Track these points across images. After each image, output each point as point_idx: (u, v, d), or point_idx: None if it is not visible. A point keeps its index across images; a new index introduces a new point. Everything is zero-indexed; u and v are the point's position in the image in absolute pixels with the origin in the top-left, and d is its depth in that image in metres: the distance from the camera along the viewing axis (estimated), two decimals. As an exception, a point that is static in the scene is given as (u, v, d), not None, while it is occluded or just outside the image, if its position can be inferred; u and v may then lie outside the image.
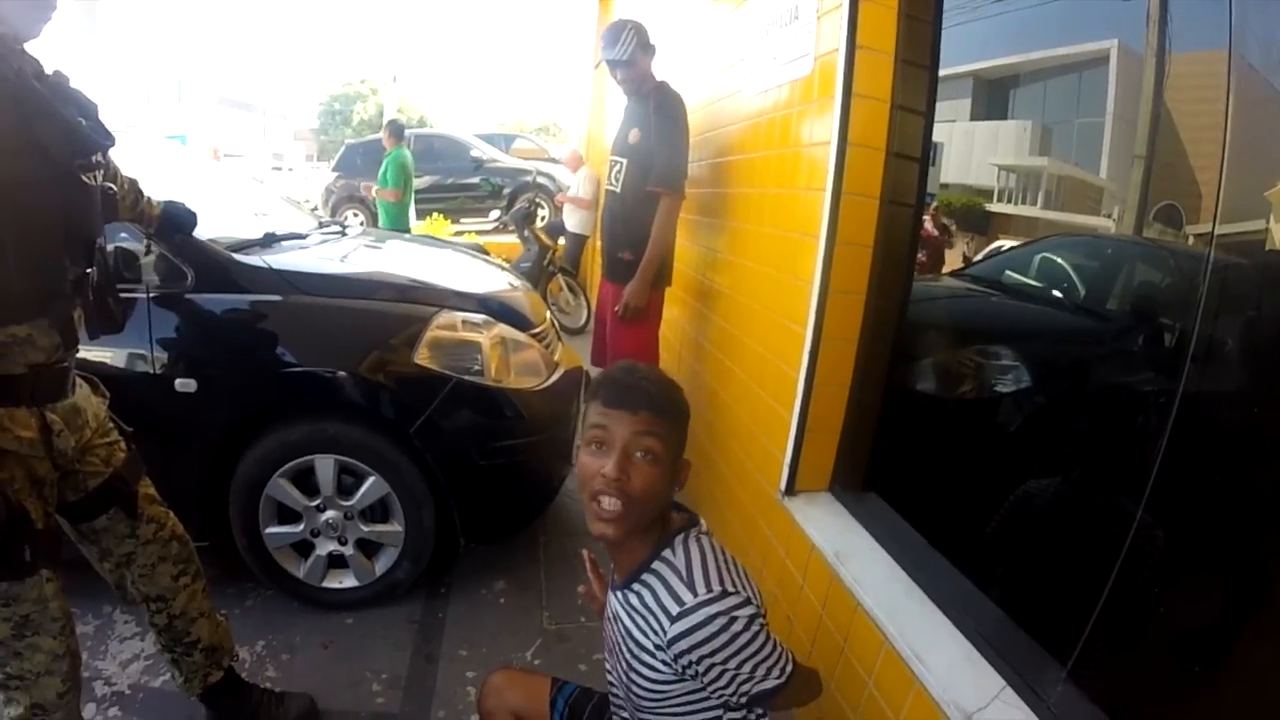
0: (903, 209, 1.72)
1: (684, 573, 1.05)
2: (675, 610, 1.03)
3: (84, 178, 1.35)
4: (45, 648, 1.39)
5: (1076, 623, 1.11)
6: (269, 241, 2.42)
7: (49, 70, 1.33)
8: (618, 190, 2.77)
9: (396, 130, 7.14)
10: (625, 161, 2.72)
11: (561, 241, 6.63)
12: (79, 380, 1.49)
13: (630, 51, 2.57)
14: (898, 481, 1.90)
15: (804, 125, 1.95)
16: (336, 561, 2.29)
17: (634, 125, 2.69)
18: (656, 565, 1.09)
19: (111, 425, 1.56)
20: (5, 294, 1.24)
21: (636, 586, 1.10)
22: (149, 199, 1.79)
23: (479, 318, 2.36)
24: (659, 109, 2.60)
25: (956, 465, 2.05)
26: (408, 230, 6.77)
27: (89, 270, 1.40)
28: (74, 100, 1.34)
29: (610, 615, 1.21)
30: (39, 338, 1.31)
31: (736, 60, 2.61)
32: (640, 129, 2.65)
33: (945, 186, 3.53)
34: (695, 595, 1.02)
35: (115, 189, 1.55)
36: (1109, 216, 2.19)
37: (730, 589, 1.03)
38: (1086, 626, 1.07)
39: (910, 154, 1.68)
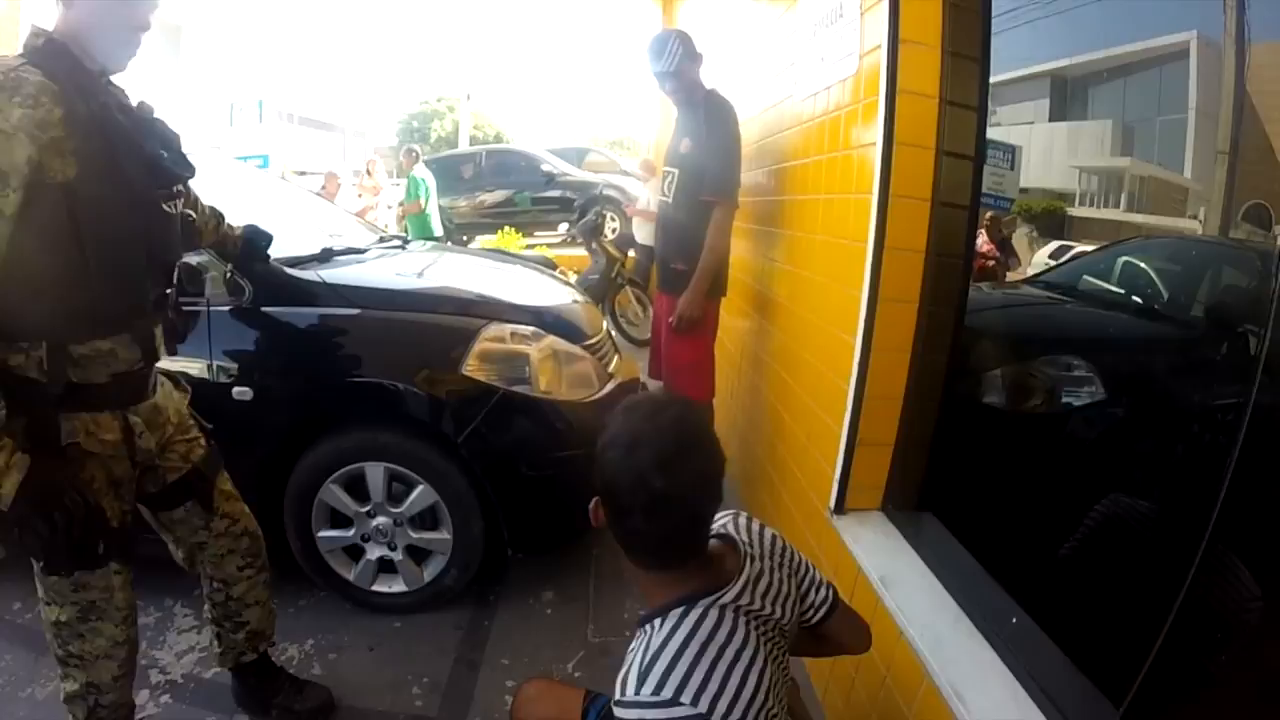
0: (956, 211, 1.62)
1: (646, 658, 0.96)
2: (619, 695, 0.97)
3: (165, 206, 1.45)
4: (106, 634, 1.49)
5: (1134, 662, 1.00)
6: (326, 257, 2.49)
7: (134, 101, 1.43)
8: (670, 200, 2.75)
9: (410, 154, 8.22)
10: (677, 172, 2.69)
11: (632, 254, 6.65)
12: (161, 379, 1.59)
13: (676, 62, 2.54)
14: (957, 502, 1.78)
15: (851, 126, 1.88)
16: (387, 566, 2.33)
17: (685, 135, 2.66)
18: (647, 627, 1.02)
19: (192, 422, 1.66)
20: (91, 312, 1.34)
21: (639, 632, 1.05)
22: (229, 225, 1.90)
23: (528, 329, 2.36)
24: (709, 117, 2.56)
25: (1021, 485, 1.92)
26: (435, 238, 7.52)
27: (169, 290, 1.52)
28: (156, 133, 1.44)
29: None
30: (121, 351, 1.41)
31: (787, 64, 2.55)
32: (691, 138, 2.62)
33: (1025, 191, 3.37)
34: (639, 692, 0.95)
35: (195, 216, 1.66)
36: (1194, 217, 2.03)
37: (683, 699, 0.93)
38: (1144, 667, 0.96)
39: (963, 152, 1.58)
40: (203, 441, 1.66)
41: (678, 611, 0.99)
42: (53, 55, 1.27)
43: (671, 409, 0.99)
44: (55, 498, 1.29)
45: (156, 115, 1.48)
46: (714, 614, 0.99)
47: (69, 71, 1.27)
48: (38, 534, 1.30)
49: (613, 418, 1.00)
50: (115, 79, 1.41)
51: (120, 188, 1.32)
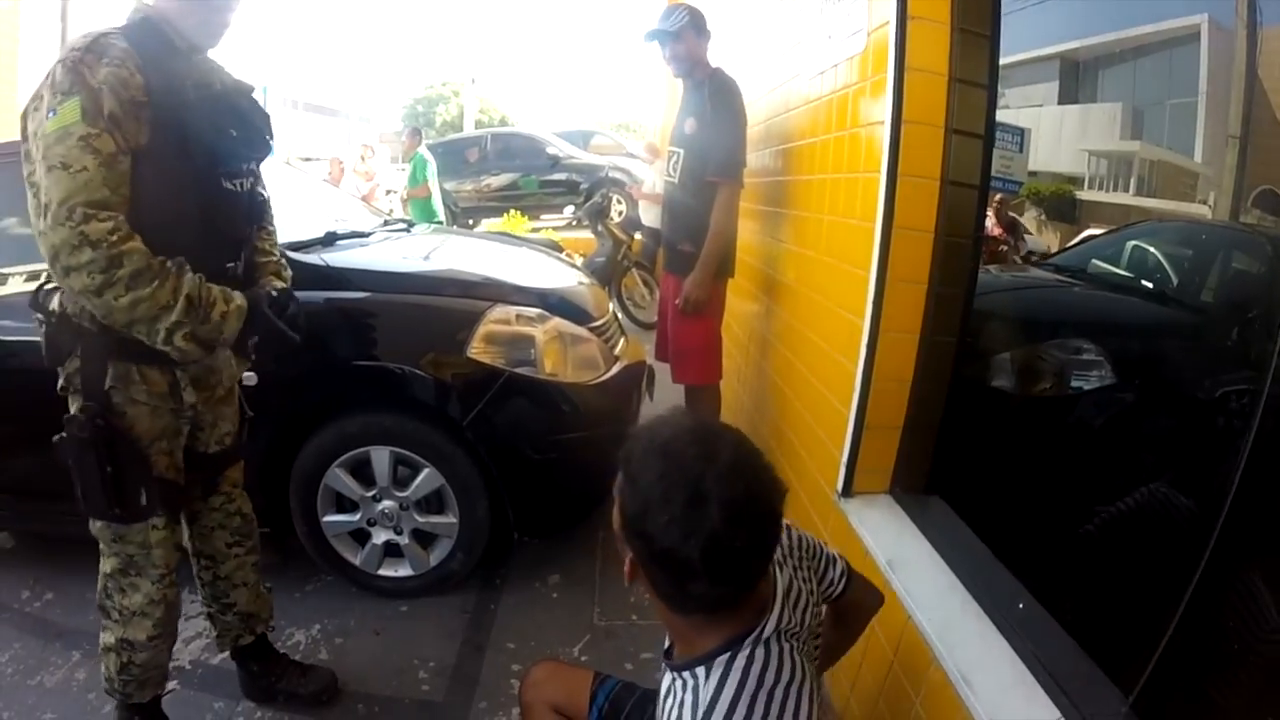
0: (966, 190, 1.59)
1: (699, 716, 0.88)
2: None
3: (229, 183, 1.48)
4: (143, 590, 1.53)
5: (1145, 648, 0.99)
6: (330, 240, 2.47)
7: (231, 78, 1.50)
8: (676, 181, 2.72)
9: (415, 134, 7.87)
10: (682, 152, 2.67)
11: (638, 236, 6.61)
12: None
13: (680, 25, 2.51)
14: (965, 485, 1.77)
15: (860, 104, 1.85)
16: (392, 550, 2.33)
17: (690, 115, 2.63)
18: (687, 676, 0.92)
19: (237, 404, 1.72)
20: None
21: (674, 676, 0.95)
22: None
23: (534, 312, 2.35)
24: (713, 96, 2.53)
25: (1029, 469, 1.90)
26: (438, 222, 7.34)
27: (230, 264, 1.54)
28: (232, 111, 1.46)
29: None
30: None
31: (795, 43, 2.51)
32: (696, 118, 2.59)
33: (1034, 174, 3.33)
34: None
35: (265, 194, 1.65)
36: (1204, 202, 2.01)
37: None
38: (1155, 653, 0.95)
39: (972, 130, 1.54)
40: (237, 427, 1.72)
41: (724, 659, 0.90)
42: (144, 29, 1.35)
43: (724, 439, 0.85)
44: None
45: (245, 93, 1.53)
46: (760, 653, 0.90)
47: (156, 46, 1.34)
48: (78, 473, 1.39)
49: (645, 460, 0.84)
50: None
51: (184, 162, 1.36)
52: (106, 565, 1.53)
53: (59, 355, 1.42)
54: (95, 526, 1.49)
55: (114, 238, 1.25)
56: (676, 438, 0.85)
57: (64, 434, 1.39)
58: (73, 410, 1.41)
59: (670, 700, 0.93)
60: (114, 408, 1.41)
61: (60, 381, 1.44)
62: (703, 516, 0.78)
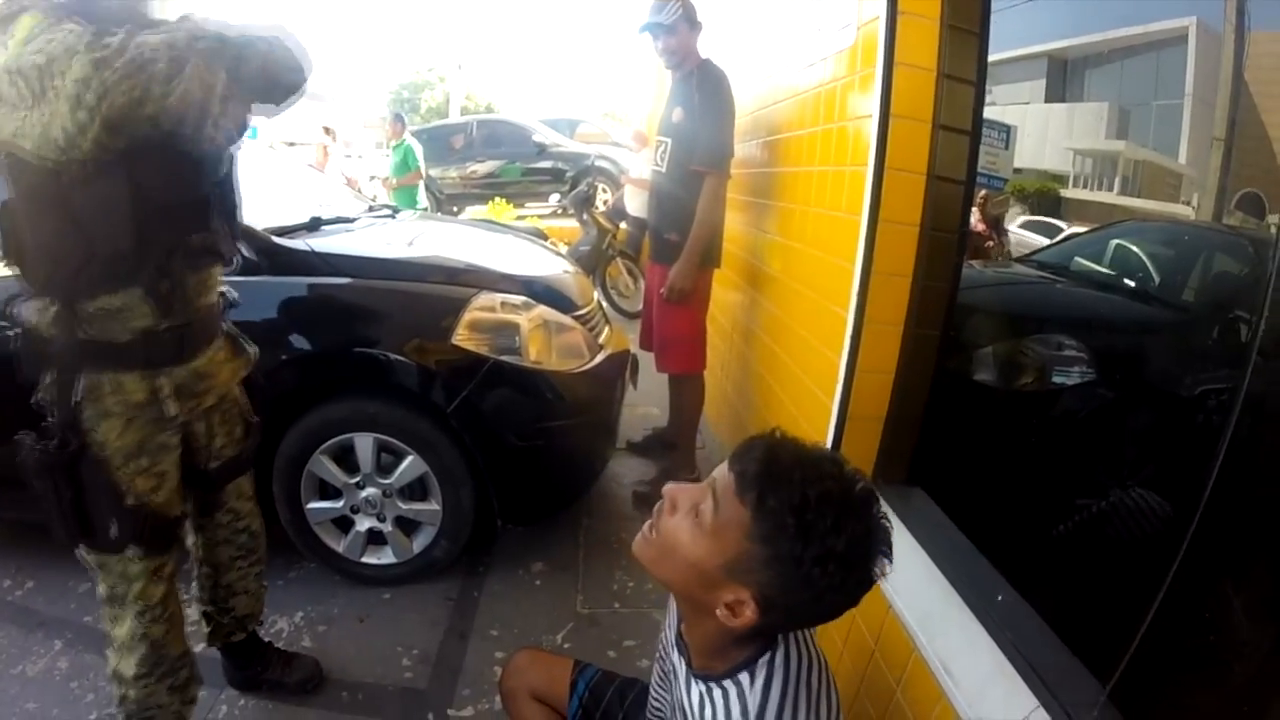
0: (952, 185, 1.60)
1: (754, 712, 0.89)
2: None
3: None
4: (127, 624, 1.41)
5: (1122, 640, 1.01)
6: (315, 225, 2.45)
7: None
8: (663, 170, 2.72)
9: (399, 120, 7.70)
10: (670, 141, 2.66)
11: (624, 225, 6.59)
12: (223, 342, 1.52)
13: (675, 18, 2.50)
14: (946, 477, 1.79)
15: (848, 98, 1.85)
16: (376, 538, 2.33)
17: (677, 104, 2.63)
18: (729, 684, 0.92)
19: (238, 411, 1.63)
20: (85, 265, 1.22)
21: (711, 686, 0.94)
22: None
23: (518, 299, 2.35)
24: (701, 87, 2.53)
25: (1010, 462, 1.93)
26: (422, 208, 7.30)
27: (195, 235, 1.34)
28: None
29: (670, 671, 1.09)
30: (136, 306, 1.30)
31: (785, 35, 2.51)
32: (684, 108, 2.59)
33: (1019, 171, 3.36)
34: None
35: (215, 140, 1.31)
36: (1188, 203, 2.03)
37: None
38: (1132, 644, 0.97)
39: (959, 126, 1.55)
40: (240, 436, 1.63)
41: (765, 660, 0.91)
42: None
43: (859, 483, 0.87)
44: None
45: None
46: (793, 649, 0.93)
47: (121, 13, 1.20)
48: (40, 496, 1.28)
49: (812, 512, 0.81)
50: None
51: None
52: (99, 589, 1.41)
53: (34, 370, 1.29)
54: (77, 551, 1.36)
55: None
56: (833, 482, 0.84)
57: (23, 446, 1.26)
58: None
59: (708, 711, 0.92)
60: (83, 423, 1.28)
61: (36, 396, 1.30)
62: (873, 563, 0.85)
